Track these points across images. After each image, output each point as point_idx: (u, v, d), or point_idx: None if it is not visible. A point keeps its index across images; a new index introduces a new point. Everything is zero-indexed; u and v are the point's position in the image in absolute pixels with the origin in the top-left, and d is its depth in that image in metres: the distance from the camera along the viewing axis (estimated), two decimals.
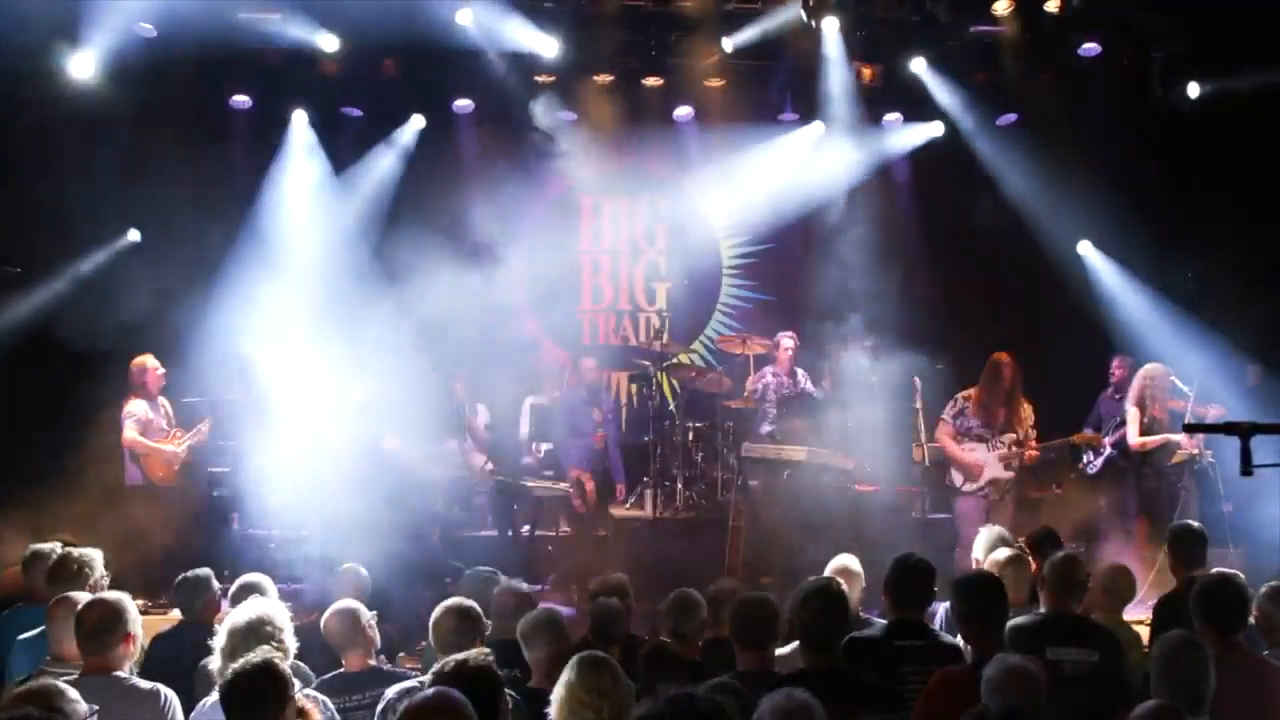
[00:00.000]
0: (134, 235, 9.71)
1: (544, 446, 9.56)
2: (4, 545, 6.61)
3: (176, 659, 4.55)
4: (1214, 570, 4.76)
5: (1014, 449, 7.70)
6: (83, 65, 8.82)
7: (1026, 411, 7.88)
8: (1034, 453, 7.88)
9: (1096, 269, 10.18)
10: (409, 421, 8.24)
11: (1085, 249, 10.26)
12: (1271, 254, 8.78)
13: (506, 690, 3.66)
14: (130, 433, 7.91)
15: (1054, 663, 4.17)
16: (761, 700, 3.02)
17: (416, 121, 10.30)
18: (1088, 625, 4.44)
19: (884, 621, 4.72)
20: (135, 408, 7.97)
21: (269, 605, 4.07)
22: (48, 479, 7.70)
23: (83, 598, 4.20)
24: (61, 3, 8.56)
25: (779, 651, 4.36)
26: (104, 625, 3.87)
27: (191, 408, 8.17)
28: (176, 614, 5.10)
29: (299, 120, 10.02)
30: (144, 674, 4.00)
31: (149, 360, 8.12)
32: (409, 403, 8.33)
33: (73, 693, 3.25)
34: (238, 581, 4.91)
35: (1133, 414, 8.02)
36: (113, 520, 7.20)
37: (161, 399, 8.16)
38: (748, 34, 9.39)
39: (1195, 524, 5.76)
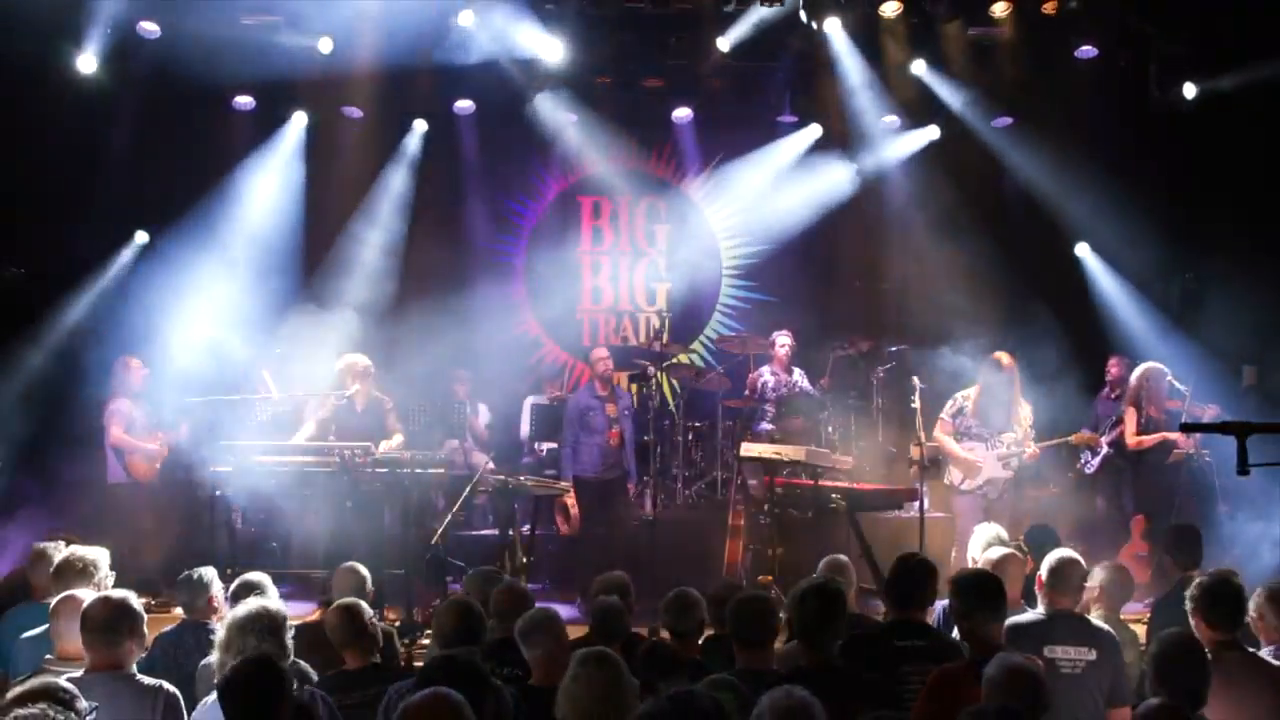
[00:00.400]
0: (142, 237, 9.71)
1: (546, 445, 9.56)
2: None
3: (178, 657, 4.57)
4: (1211, 569, 4.76)
5: (1013, 448, 7.71)
6: (88, 65, 8.85)
7: (1025, 411, 7.88)
8: (1035, 453, 7.89)
9: (1094, 270, 10.18)
10: (410, 420, 8.23)
11: (1083, 251, 10.26)
12: (1267, 255, 8.77)
13: (507, 688, 3.67)
14: (116, 431, 7.95)
15: (1051, 661, 4.17)
16: (761, 698, 3.02)
17: (418, 123, 10.30)
18: (1085, 624, 4.43)
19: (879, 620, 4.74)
20: (120, 406, 8.01)
21: (269, 602, 4.07)
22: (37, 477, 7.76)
23: (88, 596, 4.19)
24: (67, 4, 8.59)
25: (778, 649, 4.36)
26: (111, 623, 3.86)
27: (188, 407, 8.20)
28: (178, 612, 5.09)
29: (297, 121, 10.03)
30: (145, 672, 4.00)
31: (133, 360, 8.15)
32: (410, 402, 8.35)
33: (73, 689, 3.25)
34: (237, 580, 4.89)
35: (1129, 414, 8.03)
36: (100, 518, 7.23)
37: (141, 399, 8.19)
38: (742, 29, 9.36)
39: (1192, 524, 5.77)
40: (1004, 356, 7.78)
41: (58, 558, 4.98)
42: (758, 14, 9.13)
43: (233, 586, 4.84)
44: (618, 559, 7.66)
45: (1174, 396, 8.03)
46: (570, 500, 8.42)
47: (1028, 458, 7.83)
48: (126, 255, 9.59)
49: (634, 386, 10.17)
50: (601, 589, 4.95)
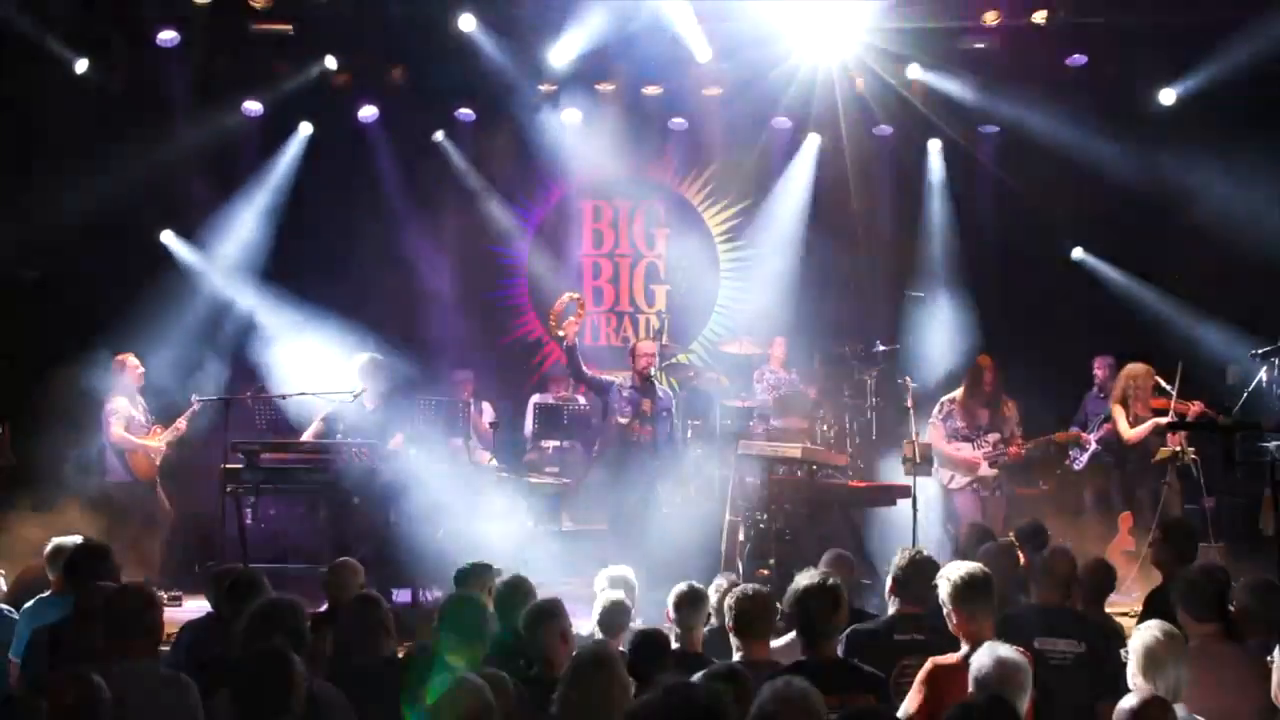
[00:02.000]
0: (168, 236, 9.71)
1: (549, 443, 9.58)
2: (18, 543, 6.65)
3: (195, 648, 4.58)
4: (1197, 564, 4.79)
5: (999, 447, 7.75)
6: (102, 71, 8.91)
7: (1010, 410, 7.92)
8: (1018, 451, 7.93)
9: (1084, 272, 10.20)
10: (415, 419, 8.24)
11: (1078, 254, 10.27)
12: (1248, 257, 8.80)
13: (513, 680, 3.68)
14: (117, 429, 7.96)
15: (1041, 653, 4.19)
16: (763, 687, 3.04)
17: (425, 129, 10.30)
18: (1075, 617, 4.46)
19: (878, 614, 4.75)
20: (117, 405, 8.01)
21: (286, 596, 4.09)
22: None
23: (109, 588, 4.21)
24: (88, 14, 8.64)
25: (775, 643, 4.38)
26: (134, 614, 3.86)
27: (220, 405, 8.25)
28: (191, 605, 5.11)
29: (304, 130, 10.05)
30: (172, 661, 4.02)
31: (130, 358, 8.17)
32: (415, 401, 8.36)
33: (99, 680, 3.26)
34: (230, 579, 4.86)
35: (1118, 411, 8.08)
36: (102, 516, 7.26)
37: (139, 396, 8.21)
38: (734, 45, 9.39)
39: (1185, 519, 5.80)
40: (985, 360, 7.84)
41: (71, 552, 5.01)
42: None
43: (227, 585, 4.77)
44: (619, 552, 7.68)
45: (1160, 395, 8.07)
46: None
47: (1010, 457, 7.87)
48: (152, 256, 9.59)
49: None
50: (606, 583, 4.97)
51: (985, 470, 7.80)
